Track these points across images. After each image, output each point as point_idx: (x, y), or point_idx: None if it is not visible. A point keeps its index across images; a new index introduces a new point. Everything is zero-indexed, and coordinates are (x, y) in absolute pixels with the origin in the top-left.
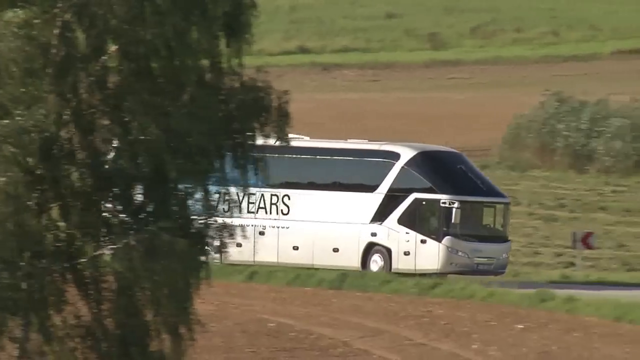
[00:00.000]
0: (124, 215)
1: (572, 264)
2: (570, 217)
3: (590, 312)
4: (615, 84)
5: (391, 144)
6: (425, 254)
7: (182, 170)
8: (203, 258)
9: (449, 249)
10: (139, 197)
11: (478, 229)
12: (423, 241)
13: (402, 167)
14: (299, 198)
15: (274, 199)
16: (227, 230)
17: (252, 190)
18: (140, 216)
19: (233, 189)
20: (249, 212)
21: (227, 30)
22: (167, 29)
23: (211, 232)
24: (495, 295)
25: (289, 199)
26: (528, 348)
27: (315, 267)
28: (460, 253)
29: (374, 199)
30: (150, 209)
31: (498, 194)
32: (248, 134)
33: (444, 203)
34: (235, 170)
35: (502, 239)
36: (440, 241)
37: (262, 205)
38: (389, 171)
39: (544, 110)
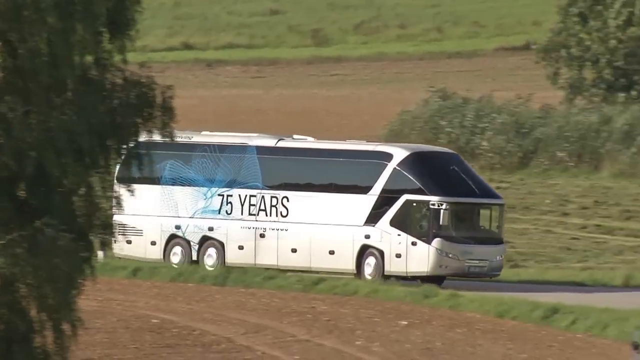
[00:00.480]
0: (8, 212)
1: None
2: None
3: (473, 309)
4: (499, 80)
5: (385, 145)
6: (416, 256)
7: (65, 167)
8: (87, 254)
9: (439, 251)
10: (23, 193)
11: (470, 231)
12: (414, 243)
13: (394, 168)
14: (297, 200)
15: (274, 201)
16: (111, 227)
17: (253, 192)
18: (24, 212)
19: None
20: (250, 214)
21: (110, 27)
22: (49, 25)
23: (95, 229)
24: (379, 291)
25: (288, 200)
26: (411, 344)
27: (312, 270)
28: (450, 255)
29: (368, 201)
30: (34, 205)
31: (492, 196)
32: (132, 129)
33: (433, 205)
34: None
35: (495, 240)
36: (429, 243)
37: (262, 207)
38: (382, 172)
39: (427, 107)
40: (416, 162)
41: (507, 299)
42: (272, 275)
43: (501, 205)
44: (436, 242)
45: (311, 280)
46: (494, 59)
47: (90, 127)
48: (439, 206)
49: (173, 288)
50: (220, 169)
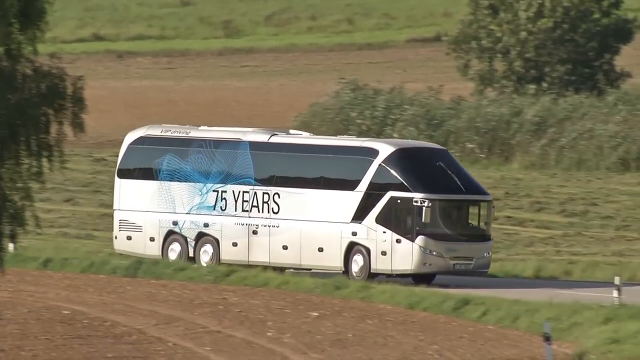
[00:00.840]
0: None
1: None
2: None
3: (384, 300)
4: (409, 72)
5: (372, 141)
6: (400, 254)
7: None
8: None
9: (422, 249)
10: None
11: (455, 228)
12: (398, 241)
13: (380, 165)
14: (287, 196)
15: (266, 197)
16: (22, 218)
17: (246, 187)
18: None
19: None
20: (243, 210)
21: (21, 18)
22: None
23: (5, 220)
24: (290, 283)
25: (279, 197)
26: (322, 335)
27: (303, 267)
28: (434, 253)
29: (355, 197)
30: None
31: (478, 192)
32: (43, 120)
33: (417, 202)
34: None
35: (482, 237)
36: (413, 241)
37: (254, 203)
38: (368, 168)
39: (338, 99)
40: (401, 158)
41: (418, 290)
42: (183, 266)
43: (488, 201)
44: (420, 239)
45: (222, 272)
46: (405, 51)
47: (0, 118)
48: (422, 203)
49: (84, 279)
50: (215, 164)
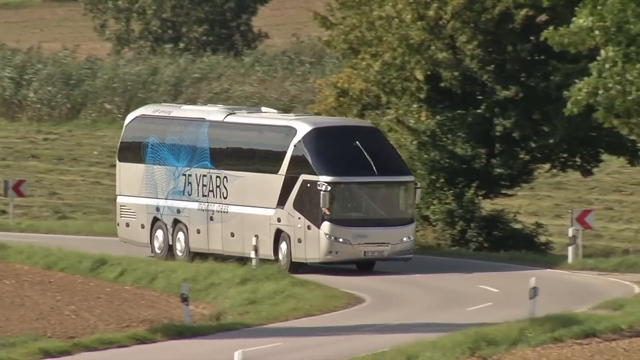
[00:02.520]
0: None
1: (4, 212)
2: (2, 164)
3: (21, 260)
4: (47, 32)
5: (294, 119)
6: (310, 241)
7: None
8: None
9: (327, 236)
10: None
11: (365, 213)
12: (309, 227)
13: (295, 146)
14: (232, 180)
15: (217, 181)
16: None
17: (204, 171)
18: None
19: None
20: (203, 195)
21: None
22: None
23: None
24: None
25: (227, 181)
26: None
27: (246, 257)
28: (340, 240)
29: (278, 181)
30: None
31: (396, 173)
32: None
33: (322, 185)
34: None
35: (400, 221)
36: (319, 227)
37: (210, 188)
38: (287, 149)
39: None
40: (314, 138)
41: (55, 250)
42: None
43: (407, 182)
44: (325, 226)
45: None
46: (42, 10)
47: None
48: (327, 187)
49: None
50: (183, 146)
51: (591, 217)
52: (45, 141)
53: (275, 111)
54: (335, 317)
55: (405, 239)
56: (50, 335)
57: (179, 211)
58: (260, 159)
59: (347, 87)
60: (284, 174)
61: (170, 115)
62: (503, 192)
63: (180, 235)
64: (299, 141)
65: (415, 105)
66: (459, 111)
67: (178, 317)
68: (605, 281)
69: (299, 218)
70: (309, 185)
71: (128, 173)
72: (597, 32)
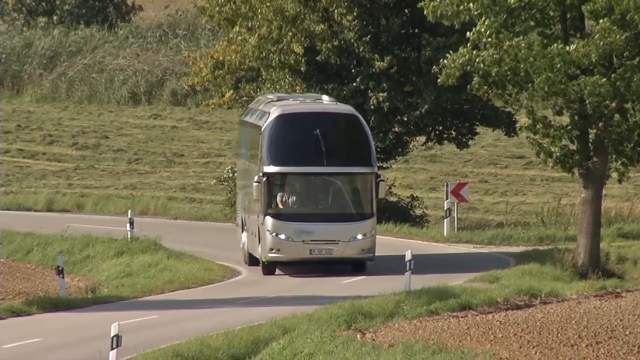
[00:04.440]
0: None
1: None
2: None
3: None
4: None
5: (274, 103)
6: (261, 236)
7: None
8: None
9: (268, 232)
10: None
11: (311, 207)
12: (262, 223)
13: (261, 133)
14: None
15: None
16: None
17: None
18: None
19: None
20: None
21: None
22: None
23: None
24: None
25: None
26: None
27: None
28: (282, 237)
29: (255, 171)
30: None
31: (352, 164)
32: None
33: (264, 177)
34: None
35: (351, 217)
36: (262, 223)
37: None
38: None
39: None
40: (275, 125)
41: None
42: None
43: (363, 174)
44: (267, 221)
45: None
46: None
47: None
48: (269, 178)
49: None
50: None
51: (466, 190)
52: None
53: (330, 99)
54: (212, 290)
55: (359, 236)
56: None
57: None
58: (249, 148)
59: (222, 59)
60: (258, 163)
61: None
62: (378, 165)
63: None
64: (264, 128)
65: (289, 79)
66: (334, 85)
67: (54, 290)
68: (480, 254)
69: (257, 211)
70: (261, 175)
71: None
72: (471, 4)
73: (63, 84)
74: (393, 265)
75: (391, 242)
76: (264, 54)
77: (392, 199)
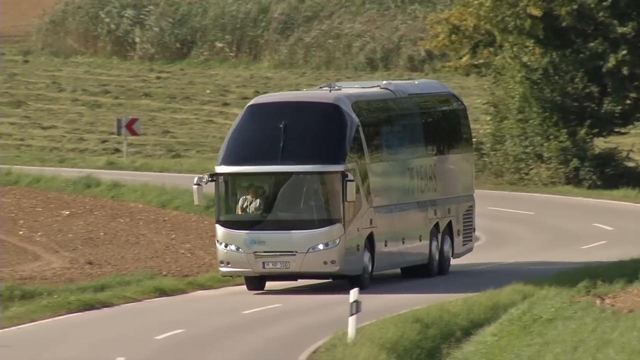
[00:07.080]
0: None
1: (118, 150)
2: (114, 103)
3: (136, 199)
4: None
5: (263, 94)
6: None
7: None
8: None
9: (218, 243)
10: None
11: (263, 212)
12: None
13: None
14: None
15: None
16: None
17: None
18: None
19: None
20: None
21: None
22: None
23: None
24: (41, 181)
25: None
26: (74, 234)
27: None
28: (232, 247)
29: None
30: None
31: (314, 162)
32: None
33: (213, 178)
34: None
35: (313, 223)
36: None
37: None
38: None
39: None
40: (241, 118)
41: (170, 189)
42: None
43: (325, 174)
44: (217, 230)
45: None
46: None
47: None
48: (217, 180)
49: None
50: None
51: None
52: (157, 80)
53: (385, 83)
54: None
55: (320, 246)
56: (166, 273)
57: None
58: None
59: (459, 23)
60: None
61: None
62: (616, 130)
63: None
64: (239, 119)
65: (530, 42)
66: (572, 49)
67: None
68: None
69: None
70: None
71: None
72: None
73: (300, 50)
74: (631, 230)
75: (630, 207)
76: (499, 17)
77: (630, 164)
